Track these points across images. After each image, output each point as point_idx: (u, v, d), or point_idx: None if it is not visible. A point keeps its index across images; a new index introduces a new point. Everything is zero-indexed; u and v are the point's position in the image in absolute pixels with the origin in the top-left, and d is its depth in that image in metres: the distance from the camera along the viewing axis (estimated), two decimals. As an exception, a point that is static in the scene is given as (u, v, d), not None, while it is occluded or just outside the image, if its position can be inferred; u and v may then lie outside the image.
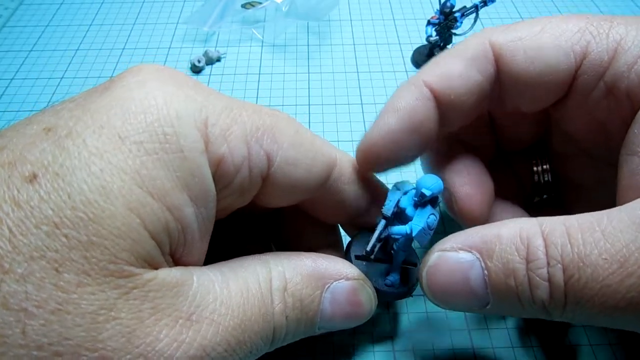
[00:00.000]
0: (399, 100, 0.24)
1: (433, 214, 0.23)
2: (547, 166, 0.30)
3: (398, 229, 0.23)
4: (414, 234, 0.22)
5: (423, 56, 0.47)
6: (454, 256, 0.21)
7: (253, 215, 0.28)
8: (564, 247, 0.18)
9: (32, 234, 0.16)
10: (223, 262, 0.21)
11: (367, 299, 0.24)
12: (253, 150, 0.21)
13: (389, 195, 0.24)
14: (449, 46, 0.45)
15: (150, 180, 0.17)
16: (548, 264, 0.18)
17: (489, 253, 0.20)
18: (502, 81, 0.24)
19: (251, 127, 0.21)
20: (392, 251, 0.24)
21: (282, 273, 0.22)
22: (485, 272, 0.20)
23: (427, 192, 0.22)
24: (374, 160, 0.24)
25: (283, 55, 0.49)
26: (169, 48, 0.50)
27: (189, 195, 0.19)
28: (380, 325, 0.29)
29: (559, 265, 0.18)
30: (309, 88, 0.45)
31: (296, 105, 0.43)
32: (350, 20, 0.53)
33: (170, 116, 0.18)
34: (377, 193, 0.26)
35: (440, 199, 0.23)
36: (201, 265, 0.21)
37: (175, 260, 0.19)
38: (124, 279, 0.17)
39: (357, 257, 0.25)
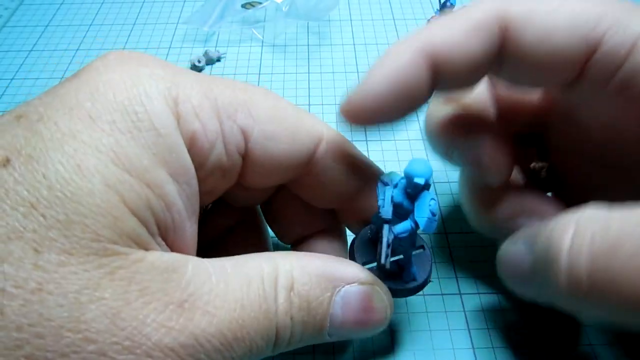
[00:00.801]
0: (389, 61, 0.21)
1: (432, 199, 0.21)
2: (543, 163, 0.28)
3: (403, 227, 0.22)
4: (422, 228, 0.21)
5: (423, 56, 0.47)
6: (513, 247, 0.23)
7: (247, 209, 0.28)
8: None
9: (8, 216, 0.15)
10: (225, 257, 0.20)
11: (382, 305, 0.22)
12: (226, 125, 0.20)
13: (379, 193, 0.22)
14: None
15: (125, 157, 0.17)
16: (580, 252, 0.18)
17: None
18: (504, 55, 0.22)
19: (223, 102, 0.21)
20: (400, 247, 0.23)
21: (289, 272, 0.20)
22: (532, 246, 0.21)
23: (421, 181, 0.20)
24: (357, 120, 0.22)
25: (283, 55, 0.49)
26: (169, 48, 0.50)
27: (168, 172, 0.18)
28: (387, 325, 0.29)
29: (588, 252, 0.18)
30: (309, 88, 0.45)
31: (296, 105, 0.43)
32: (350, 20, 0.53)
33: (140, 95, 0.18)
34: (370, 173, 0.25)
35: (432, 181, 0.22)
36: (194, 253, 0.20)
37: (169, 245, 0.19)
38: (108, 257, 0.16)
39: (369, 243, 0.24)
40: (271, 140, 0.22)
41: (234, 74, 0.47)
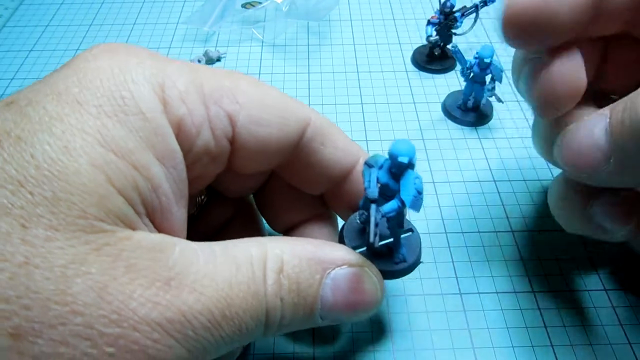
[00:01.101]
0: None
1: (417, 177, 0.21)
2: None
3: (390, 207, 0.22)
4: (408, 206, 0.21)
5: (423, 56, 0.47)
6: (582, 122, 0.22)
7: (241, 203, 0.28)
8: None
9: None
10: (215, 242, 0.20)
11: (372, 287, 0.23)
12: (212, 111, 0.21)
13: (365, 175, 0.23)
14: (449, 46, 0.45)
15: (112, 140, 0.18)
16: None
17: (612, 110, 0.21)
18: None
19: (209, 89, 0.21)
20: (388, 228, 0.23)
21: (278, 255, 0.21)
22: (608, 120, 0.21)
23: (405, 160, 0.20)
24: (523, 24, 0.22)
25: (283, 55, 0.49)
26: (169, 48, 0.50)
27: (154, 155, 0.19)
28: (380, 324, 0.29)
29: None
30: (309, 88, 0.45)
31: (296, 105, 0.43)
32: (350, 20, 0.53)
33: (127, 81, 0.19)
34: (355, 156, 0.25)
35: (416, 161, 0.22)
36: (184, 237, 0.20)
37: (156, 227, 0.19)
38: (95, 234, 0.17)
39: (358, 230, 0.25)
40: (258, 124, 0.22)
41: (234, 74, 0.47)
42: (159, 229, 0.20)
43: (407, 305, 0.29)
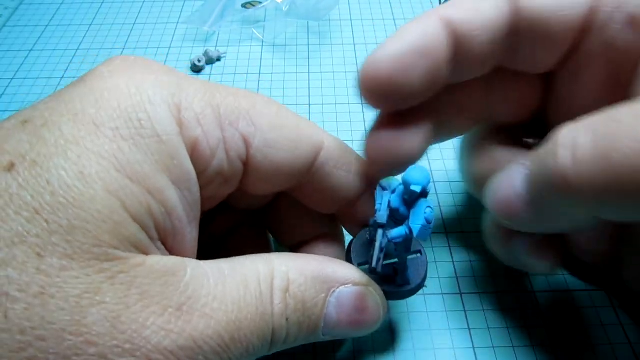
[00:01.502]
0: (409, 26, 0.22)
1: (429, 207, 0.22)
2: (536, 139, 0.28)
3: (397, 232, 0.22)
4: (415, 235, 0.21)
5: (423, 56, 0.47)
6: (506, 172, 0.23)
7: (249, 211, 0.28)
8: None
9: (12, 220, 0.16)
10: (223, 259, 0.21)
11: (375, 305, 0.23)
12: (228, 133, 0.21)
13: (377, 197, 0.23)
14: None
15: (128, 164, 0.18)
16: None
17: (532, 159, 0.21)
18: (515, 23, 0.22)
19: (225, 110, 0.21)
20: (395, 252, 0.24)
21: (285, 273, 0.21)
22: (526, 172, 0.21)
23: (418, 189, 0.21)
24: (378, 86, 0.22)
25: (283, 54, 0.49)
26: (169, 48, 0.50)
27: (169, 178, 0.19)
28: (380, 324, 0.29)
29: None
30: (309, 88, 0.45)
31: (296, 104, 0.43)
32: (351, 20, 0.53)
33: (144, 102, 0.19)
34: (369, 178, 0.25)
35: (430, 190, 0.22)
36: (194, 257, 0.20)
37: (168, 249, 0.19)
38: (109, 262, 0.17)
39: (366, 245, 0.25)
40: (272, 148, 0.22)
41: (234, 74, 0.47)
42: (171, 251, 0.20)
43: (407, 305, 0.29)
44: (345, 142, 0.26)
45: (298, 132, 0.23)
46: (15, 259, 0.15)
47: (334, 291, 0.22)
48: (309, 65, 0.48)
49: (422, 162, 0.38)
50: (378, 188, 0.23)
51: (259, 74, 0.47)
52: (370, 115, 0.42)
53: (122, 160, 0.17)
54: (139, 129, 0.18)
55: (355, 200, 0.25)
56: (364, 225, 0.26)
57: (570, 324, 0.28)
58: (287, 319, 0.20)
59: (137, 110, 0.18)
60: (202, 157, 0.20)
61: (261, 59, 0.48)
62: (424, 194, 0.21)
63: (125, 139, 0.18)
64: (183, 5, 0.55)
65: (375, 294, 0.23)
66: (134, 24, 0.53)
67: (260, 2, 0.52)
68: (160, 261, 0.18)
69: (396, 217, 0.22)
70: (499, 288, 0.30)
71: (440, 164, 0.38)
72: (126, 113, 0.18)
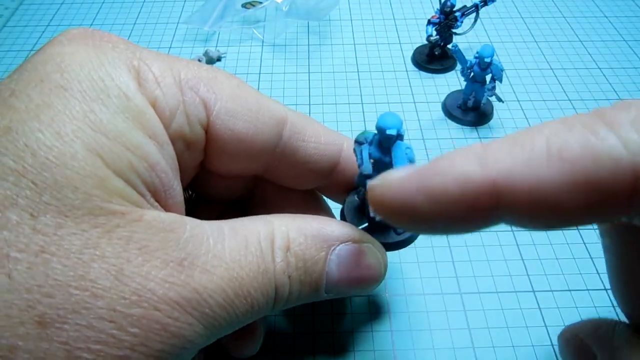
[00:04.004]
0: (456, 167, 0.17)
1: (408, 147, 0.22)
2: None
3: None
4: None
5: (423, 56, 0.47)
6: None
7: (230, 203, 0.28)
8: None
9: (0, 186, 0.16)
10: (223, 220, 0.21)
11: (376, 261, 0.23)
12: (187, 95, 0.21)
13: (357, 152, 0.23)
14: (449, 46, 0.45)
15: (101, 123, 0.18)
16: None
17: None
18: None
19: (186, 76, 0.21)
20: None
21: (285, 233, 0.21)
22: None
23: (393, 132, 0.21)
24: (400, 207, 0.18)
25: (283, 54, 0.49)
26: (170, 48, 0.50)
27: (144, 133, 0.19)
28: (380, 323, 0.29)
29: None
30: (309, 88, 0.45)
31: (297, 104, 0.43)
32: (351, 20, 0.53)
33: (104, 64, 0.19)
34: (339, 143, 0.26)
35: (404, 132, 0.22)
36: (184, 214, 0.21)
37: (162, 205, 0.20)
38: (104, 217, 0.17)
39: (358, 208, 0.25)
40: (233, 117, 0.22)
41: (235, 74, 0.46)
42: (166, 207, 0.20)
43: (407, 305, 0.29)
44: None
45: (259, 105, 0.23)
46: (9, 221, 0.15)
47: (334, 249, 0.22)
48: (309, 65, 0.48)
49: (422, 161, 0.38)
50: (355, 144, 0.23)
51: (259, 73, 0.47)
52: (370, 115, 0.42)
53: (95, 120, 0.18)
54: (104, 89, 0.18)
55: (332, 168, 0.26)
56: (348, 190, 0.26)
57: (571, 323, 0.28)
58: (289, 277, 0.21)
59: (99, 72, 0.19)
60: (162, 117, 0.20)
61: (261, 59, 0.48)
62: (399, 136, 0.22)
63: (94, 100, 0.18)
64: (183, 5, 0.55)
65: (375, 250, 0.23)
66: (134, 24, 0.53)
67: (260, 2, 0.52)
68: (158, 217, 0.18)
69: (380, 167, 0.22)
70: (499, 288, 0.30)
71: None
72: (89, 75, 0.18)
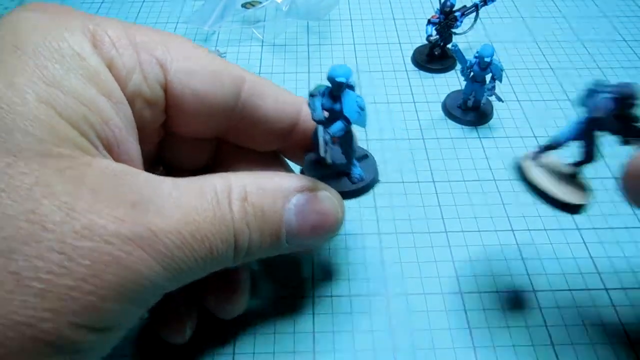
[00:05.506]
0: None
1: (358, 96, 0.23)
2: None
3: (336, 126, 0.23)
4: (352, 121, 0.23)
5: (423, 56, 0.47)
6: None
7: (196, 171, 0.28)
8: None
9: None
10: (179, 177, 0.21)
11: (332, 207, 0.24)
12: (143, 57, 0.21)
13: (310, 104, 0.24)
14: (449, 45, 0.45)
15: (54, 79, 0.18)
16: None
17: None
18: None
19: (141, 39, 0.22)
20: (342, 152, 0.25)
21: (242, 187, 0.21)
22: None
23: (343, 79, 0.22)
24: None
25: (283, 54, 0.49)
26: (169, 48, 0.50)
27: (98, 91, 0.19)
28: (380, 322, 0.29)
29: None
30: (309, 88, 0.45)
31: (296, 104, 0.43)
32: (351, 20, 0.53)
33: (58, 26, 0.19)
34: (299, 105, 0.26)
35: (354, 83, 0.23)
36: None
37: (115, 159, 0.20)
38: (54, 158, 0.17)
39: (316, 163, 0.26)
40: (190, 75, 0.23)
41: (234, 74, 0.47)
42: (118, 161, 0.20)
43: (407, 305, 0.29)
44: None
45: (214, 65, 0.23)
46: None
47: (291, 199, 0.23)
48: (309, 65, 0.48)
49: (422, 161, 0.38)
50: (309, 98, 0.24)
51: (259, 73, 0.47)
52: (371, 115, 0.42)
53: (48, 76, 0.18)
54: (58, 49, 0.19)
55: (291, 129, 0.26)
56: (308, 150, 0.27)
57: (571, 323, 0.28)
58: (247, 225, 0.21)
59: (53, 33, 0.19)
60: (118, 77, 0.21)
61: (261, 59, 0.48)
62: (350, 86, 0.23)
63: (47, 59, 0.18)
64: (183, 5, 0.55)
65: (331, 196, 0.24)
66: (134, 23, 0.53)
67: (260, 2, 0.52)
68: (110, 165, 0.19)
69: (332, 114, 0.24)
70: (499, 287, 0.30)
71: (441, 163, 0.38)
72: (43, 36, 0.19)
